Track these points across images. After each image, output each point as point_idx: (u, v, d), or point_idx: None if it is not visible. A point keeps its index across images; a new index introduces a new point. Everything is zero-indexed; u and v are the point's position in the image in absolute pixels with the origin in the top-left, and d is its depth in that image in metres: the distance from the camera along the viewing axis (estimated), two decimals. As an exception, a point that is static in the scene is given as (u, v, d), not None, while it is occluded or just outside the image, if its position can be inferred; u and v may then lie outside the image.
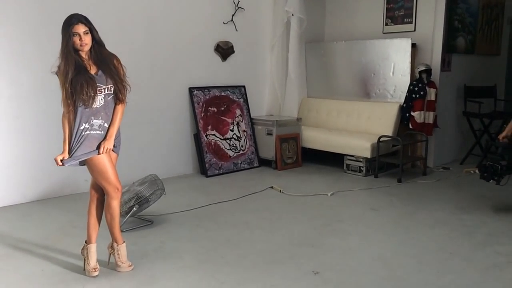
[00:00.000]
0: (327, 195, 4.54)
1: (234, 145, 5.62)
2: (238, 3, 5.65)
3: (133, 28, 4.83)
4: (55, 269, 2.88)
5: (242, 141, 5.70)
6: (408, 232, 3.55)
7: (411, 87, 5.43)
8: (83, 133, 2.59)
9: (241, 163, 5.63)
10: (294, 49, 6.00)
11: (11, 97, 4.12)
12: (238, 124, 5.71)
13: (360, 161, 5.33)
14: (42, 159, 4.31)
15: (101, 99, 2.59)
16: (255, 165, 5.75)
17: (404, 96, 5.49)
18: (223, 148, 5.51)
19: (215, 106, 5.53)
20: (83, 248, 2.87)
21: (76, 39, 2.51)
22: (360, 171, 5.34)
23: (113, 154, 2.78)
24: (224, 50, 5.64)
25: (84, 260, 2.84)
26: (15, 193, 4.18)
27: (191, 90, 5.35)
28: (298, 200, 4.40)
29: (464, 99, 6.00)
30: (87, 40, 2.54)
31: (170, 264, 2.97)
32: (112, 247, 2.89)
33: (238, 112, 5.74)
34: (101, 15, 4.56)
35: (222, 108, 5.60)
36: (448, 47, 5.66)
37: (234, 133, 5.65)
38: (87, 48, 2.56)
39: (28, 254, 3.11)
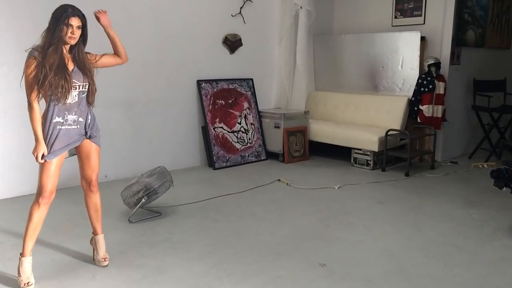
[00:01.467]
0: (334, 188, 4.55)
1: (242, 138, 5.63)
2: (246, -5, 5.65)
3: (141, 21, 4.85)
4: (65, 258, 2.93)
5: (249, 134, 5.72)
6: (415, 226, 3.55)
7: (419, 81, 5.40)
8: (57, 126, 2.51)
9: (248, 156, 5.65)
10: (302, 42, 5.99)
11: (21, 88, 4.14)
12: (245, 117, 5.73)
13: (368, 155, 5.33)
14: (52, 151, 4.36)
15: (75, 96, 2.52)
16: (262, 158, 5.77)
17: (413, 90, 5.47)
18: (231, 140, 5.52)
19: (223, 99, 5.54)
20: (91, 239, 2.92)
21: (68, 31, 2.42)
22: (368, 164, 5.34)
23: (93, 145, 2.71)
24: (232, 43, 5.64)
25: (93, 250, 2.88)
26: (24, 184, 4.23)
27: (199, 82, 5.37)
28: (305, 193, 4.42)
29: (473, 93, 5.95)
30: (77, 34, 2.47)
31: (178, 254, 3.00)
32: None
33: (245, 105, 5.75)
34: (109, 7, 4.56)
35: (230, 101, 5.61)
36: (458, 41, 5.61)
37: (242, 126, 5.66)
38: (73, 42, 2.48)
39: (38, 244, 3.13)
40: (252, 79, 5.89)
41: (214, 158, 5.33)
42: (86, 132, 2.65)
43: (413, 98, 5.45)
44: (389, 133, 5.19)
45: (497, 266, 2.87)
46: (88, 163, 2.75)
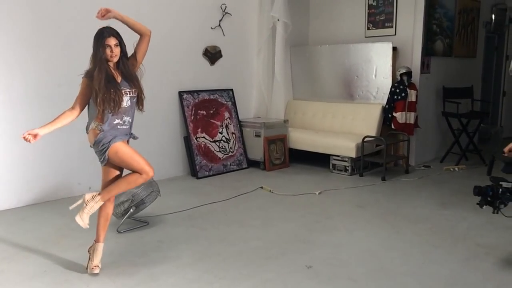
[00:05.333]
0: (315, 194, 4.71)
1: (224, 147, 5.75)
2: (225, 8, 5.80)
3: (122, 32, 4.90)
4: (57, 269, 2.97)
5: (231, 143, 5.84)
6: (393, 227, 3.75)
7: (392, 89, 5.65)
8: (118, 127, 2.88)
9: (230, 165, 5.77)
10: (280, 52, 6.18)
11: (5, 102, 4.17)
12: (227, 126, 5.85)
13: (346, 161, 5.53)
14: (36, 163, 4.38)
15: (128, 100, 2.86)
16: (244, 166, 5.90)
17: (386, 98, 5.72)
18: (213, 150, 5.64)
19: (204, 109, 5.66)
20: (91, 246, 3.00)
21: (108, 51, 2.77)
22: (346, 170, 5.54)
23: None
24: (212, 55, 5.77)
25: (89, 258, 2.95)
26: (10, 197, 4.24)
27: (180, 93, 5.47)
28: (287, 199, 4.57)
29: (443, 99, 6.26)
30: (117, 51, 2.80)
31: (169, 262, 3.09)
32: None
33: (226, 114, 5.88)
34: (91, 23, 4.64)
35: (211, 111, 5.73)
36: (427, 50, 5.91)
37: (223, 136, 5.79)
38: (116, 59, 2.82)
39: (29, 256, 3.19)
40: (232, 90, 6.03)
41: (197, 167, 5.43)
42: (131, 134, 3.01)
43: (387, 106, 5.70)
44: (365, 139, 5.41)
45: (470, 262, 3.08)
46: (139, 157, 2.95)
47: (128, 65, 2.89)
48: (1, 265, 3.03)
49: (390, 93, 5.68)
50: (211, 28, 5.73)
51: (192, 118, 5.52)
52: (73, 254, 3.20)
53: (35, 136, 2.74)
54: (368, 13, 6.23)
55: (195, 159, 5.44)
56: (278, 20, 6.03)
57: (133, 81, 2.88)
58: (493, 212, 2.87)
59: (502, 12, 7.62)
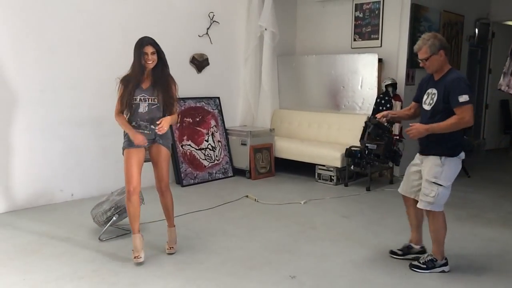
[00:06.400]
0: (300, 203, 4.71)
1: (209, 155, 5.73)
2: (213, 17, 5.81)
3: (109, 40, 4.89)
4: (36, 278, 2.91)
5: (217, 151, 5.82)
6: (377, 238, 3.76)
7: (378, 100, 5.71)
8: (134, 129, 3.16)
9: (216, 173, 5.75)
10: (267, 62, 6.20)
11: (-13, 107, 4.10)
12: (213, 134, 5.84)
13: (331, 171, 5.55)
14: (16, 169, 4.30)
15: (146, 106, 3.13)
16: (229, 174, 5.88)
17: (372, 108, 5.77)
18: (198, 158, 5.61)
19: (190, 117, 5.64)
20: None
21: (145, 57, 3.07)
22: (331, 180, 5.55)
23: (162, 151, 3.25)
24: (199, 62, 5.77)
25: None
26: (-11, 203, 4.15)
27: (166, 101, 5.44)
28: (272, 208, 4.56)
29: (427, 111, 6.33)
30: (153, 58, 3.09)
31: (151, 271, 3.05)
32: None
33: (213, 122, 5.87)
34: (77, 27, 4.62)
35: (197, 119, 5.71)
36: (412, 63, 5.99)
37: (209, 143, 5.77)
38: (151, 65, 3.11)
39: (8, 264, 3.11)
40: (219, 98, 6.02)
41: (182, 175, 5.39)
42: (155, 138, 3.19)
43: (372, 116, 5.74)
44: (350, 149, 5.43)
45: (453, 273, 3.10)
46: (156, 168, 3.28)
47: (164, 74, 3.16)
48: (-23, 274, 2.95)
49: (375, 104, 5.73)
50: (199, 36, 5.73)
51: (178, 125, 5.49)
52: (53, 262, 3.14)
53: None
54: (354, 24, 6.30)
55: (180, 167, 5.40)
56: (266, 29, 6.07)
57: (160, 88, 3.12)
58: (359, 171, 3.09)
59: (485, 26, 7.79)
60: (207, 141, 5.74)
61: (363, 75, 5.87)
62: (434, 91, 2.99)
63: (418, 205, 3.08)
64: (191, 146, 5.57)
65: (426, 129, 2.93)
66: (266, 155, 5.96)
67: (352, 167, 3.18)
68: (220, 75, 6.05)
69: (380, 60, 5.84)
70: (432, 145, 2.98)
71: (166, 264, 3.17)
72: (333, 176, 5.53)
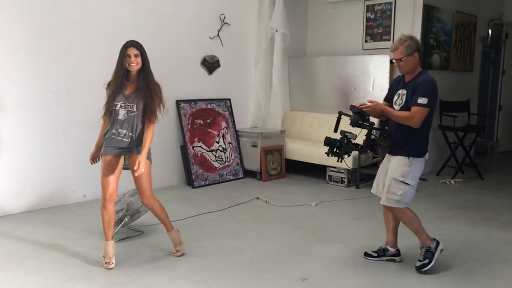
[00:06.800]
0: (311, 205, 4.70)
1: (220, 157, 5.74)
2: (224, 18, 5.82)
3: (121, 43, 4.87)
4: (49, 278, 2.93)
5: (227, 152, 5.83)
6: (389, 240, 3.72)
7: (390, 102, 5.66)
8: (112, 136, 3.08)
9: (226, 174, 5.75)
10: (277, 63, 6.20)
11: (2, 108, 4.15)
12: (223, 136, 5.84)
13: (342, 173, 5.52)
14: (30, 170, 4.35)
15: (124, 114, 3.04)
16: (240, 176, 5.88)
17: (384, 110, 5.72)
18: (209, 159, 5.62)
19: (201, 119, 5.65)
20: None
21: (127, 59, 2.99)
22: (342, 182, 5.53)
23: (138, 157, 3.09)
24: (211, 64, 5.78)
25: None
26: (3, 204, 4.20)
27: (178, 102, 5.47)
28: (283, 210, 4.54)
29: (439, 113, 6.27)
30: (137, 61, 2.99)
31: (163, 273, 3.06)
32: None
33: (223, 124, 5.88)
34: (90, 30, 4.67)
35: (208, 121, 5.72)
36: (424, 64, 5.93)
37: (220, 145, 5.77)
38: (135, 68, 3.01)
39: (21, 264, 3.15)
40: (229, 99, 6.03)
41: (193, 176, 5.40)
42: (133, 148, 3.10)
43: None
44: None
45: (466, 277, 3.06)
46: (135, 180, 3.17)
47: (146, 79, 3.04)
48: (-8, 273, 2.99)
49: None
50: (210, 38, 5.74)
51: (189, 127, 5.51)
52: (65, 262, 3.17)
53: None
54: (366, 25, 6.27)
55: (191, 168, 5.42)
56: (277, 31, 6.06)
57: (141, 95, 3.01)
58: (338, 161, 3.25)
59: (499, 27, 7.70)
60: (218, 142, 5.76)
61: (374, 77, 5.83)
62: (404, 91, 3.08)
63: (383, 202, 3.15)
64: (202, 148, 5.59)
65: (382, 110, 3.10)
66: (276, 157, 5.95)
67: (330, 155, 3.22)
68: (231, 77, 6.06)
69: (391, 62, 5.79)
70: (401, 145, 3.07)
71: (178, 266, 3.17)
72: (344, 178, 5.50)
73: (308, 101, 6.56)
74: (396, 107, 3.11)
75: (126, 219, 3.60)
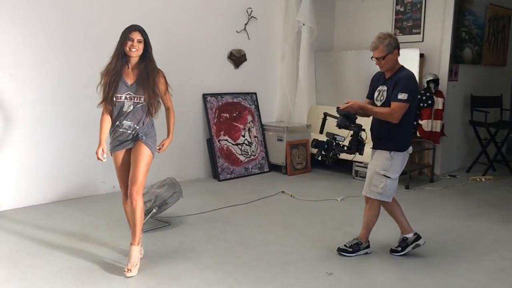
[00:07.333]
0: (337, 200, 4.68)
1: (246, 150, 5.77)
2: (251, 12, 5.82)
3: (150, 36, 4.97)
4: (81, 266, 3.02)
5: (253, 146, 5.86)
6: (417, 237, 3.67)
7: (419, 96, 5.56)
8: (116, 128, 2.92)
9: (252, 168, 5.78)
10: (304, 57, 6.16)
11: (35, 101, 4.29)
12: (249, 130, 5.87)
13: (369, 168, 5.46)
14: (62, 161, 4.48)
15: (130, 105, 2.86)
16: (265, 170, 5.90)
17: (412, 105, 5.62)
18: (235, 153, 5.66)
19: (227, 112, 5.69)
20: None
21: (129, 43, 2.79)
22: (368, 177, 5.46)
23: (143, 151, 2.93)
24: (237, 58, 5.80)
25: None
26: (36, 194, 4.34)
27: (204, 96, 5.52)
28: (309, 204, 4.54)
29: (470, 108, 6.13)
30: (139, 47, 2.81)
31: (190, 263, 3.11)
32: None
33: (249, 118, 5.90)
34: (119, 24, 4.73)
35: (234, 114, 5.75)
36: (455, 58, 5.80)
37: (246, 139, 5.80)
38: (136, 54, 2.81)
39: (54, 252, 3.25)
40: (255, 93, 6.04)
41: (219, 170, 5.45)
42: (137, 135, 2.92)
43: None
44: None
45: (496, 276, 3.00)
46: (132, 167, 2.95)
47: (148, 66, 2.86)
48: (26, 261, 3.10)
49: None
50: (237, 32, 5.76)
51: (215, 120, 5.56)
52: (97, 251, 3.26)
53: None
54: (395, 19, 6.16)
55: (217, 162, 5.47)
56: (304, 24, 6.02)
57: (145, 86, 2.83)
58: (326, 164, 3.27)
59: (535, 19, 7.43)
60: (243, 136, 5.78)
61: (403, 71, 5.73)
62: (385, 88, 3.13)
63: (366, 193, 3.22)
64: (228, 141, 5.63)
65: (360, 107, 3.16)
66: (302, 151, 5.93)
67: (319, 158, 3.28)
68: (257, 71, 6.07)
69: (421, 55, 5.68)
70: (383, 140, 3.14)
71: (204, 257, 3.22)
72: (371, 174, 5.44)
73: (334, 95, 6.49)
74: (378, 103, 3.17)
75: (154, 210, 3.67)
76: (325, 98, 6.61)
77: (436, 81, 5.51)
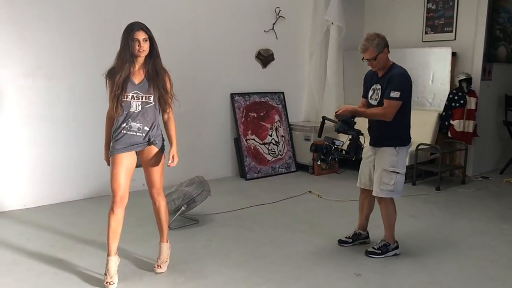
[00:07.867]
0: (365, 201, 4.61)
1: (273, 150, 5.77)
2: (279, 12, 5.82)
3: (180, 36, 5.06)
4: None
5: (280, 146, 5.85)
6: (447, 240, 3.60)
7: (451, 96, 5.44)
8: (122, 131, 2.71)
9: (279, 167, 5.78)
10: (332, 56, 6.11)
11: (70, 100, 4.41)
12: (276, 129, 5.87)
13: (398, 168, 5.37)
14: (95, 159, 4.57)
15: (138, 105, 2.69)
16: (292, 169, 5.88)
17: (443, 105, 5.51)
18: (262, 152, 5.67)
19: (255, 112, 5.70)
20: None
21: (135, 45, 2.63)
22: (397, 178, 5.37)
23: (154, 154, 2.80)
24: (265, 58, 5.81)
25: None
26: (69, 190, 4.47)
27: (232, 95, 5.55)
28: (336, 205, 4.51)
29: (504, 108, 5.95)
30: (146, 47, 2.66)
31: (218, 261, 3.14)
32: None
33: (277, 117, 5.90)
34: (150, 24, 4.81)
35: (262, 114, 5.76)
36: (489, 56, 5.64)
37: (273, 138, 5.81)
38: (144, 54, 2.67)
39: (86, 248, 3.34)
40: (283, 93, 6.04)
41: (246, 169, 5.47)
42: (149, 140, 2.76)
43: (444, 113, 5.49)
44: (419, 147, 5.23)
45: (531, 281, 2.90)
46: (147, 172, 2.87)
47: (156, 66, 2.72)
48: (59, 255, 3.20)
49: (447, 100, 5.46)
50: (265, 31, 5.77)
51: (243, 120, 5.58)
52: (127, 247, 3.32)
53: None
54: (426, 17, 6.03)
55: (244, 161, 5.49)
56: (332, 23, 5.97)
57: (155, 83, 2.70)
58: (325, 167, 3.37)
59: None
60: (270, 135, 5.79)
61: (434, 70, 5.62)
62: (379, 86, 3.15)
63: (378, 194, 3.23)
64: (255, 141, 5.64)
65: (351, 112, 3.20)
66: (330, 151, 5.88)
67: (318, 162, 3.36)
68: (284, 70, 6.06)
69: (453, 54, 5.56)
70: (386, 138, 3.16)
71: (232, 255, 3.24)
72: (400, 174, 5.35)
73: (363, 95, 6.42)
74: (373, 102, 3.19)
75: (183, 207, 3.72)
76: (353, 98, 6.53)
77: (468, 80, 5.37)
